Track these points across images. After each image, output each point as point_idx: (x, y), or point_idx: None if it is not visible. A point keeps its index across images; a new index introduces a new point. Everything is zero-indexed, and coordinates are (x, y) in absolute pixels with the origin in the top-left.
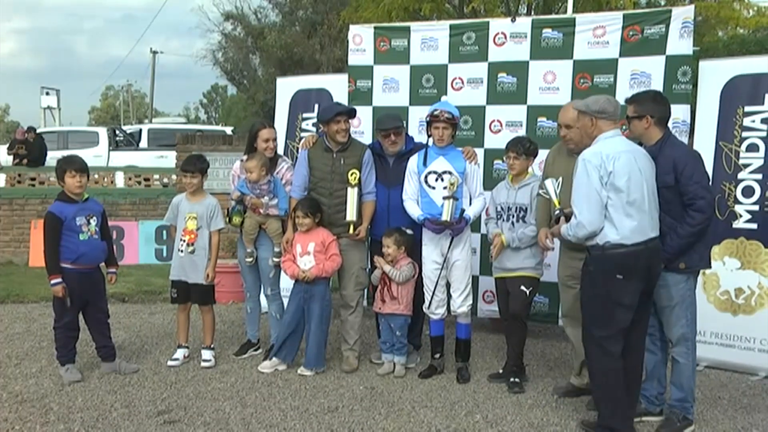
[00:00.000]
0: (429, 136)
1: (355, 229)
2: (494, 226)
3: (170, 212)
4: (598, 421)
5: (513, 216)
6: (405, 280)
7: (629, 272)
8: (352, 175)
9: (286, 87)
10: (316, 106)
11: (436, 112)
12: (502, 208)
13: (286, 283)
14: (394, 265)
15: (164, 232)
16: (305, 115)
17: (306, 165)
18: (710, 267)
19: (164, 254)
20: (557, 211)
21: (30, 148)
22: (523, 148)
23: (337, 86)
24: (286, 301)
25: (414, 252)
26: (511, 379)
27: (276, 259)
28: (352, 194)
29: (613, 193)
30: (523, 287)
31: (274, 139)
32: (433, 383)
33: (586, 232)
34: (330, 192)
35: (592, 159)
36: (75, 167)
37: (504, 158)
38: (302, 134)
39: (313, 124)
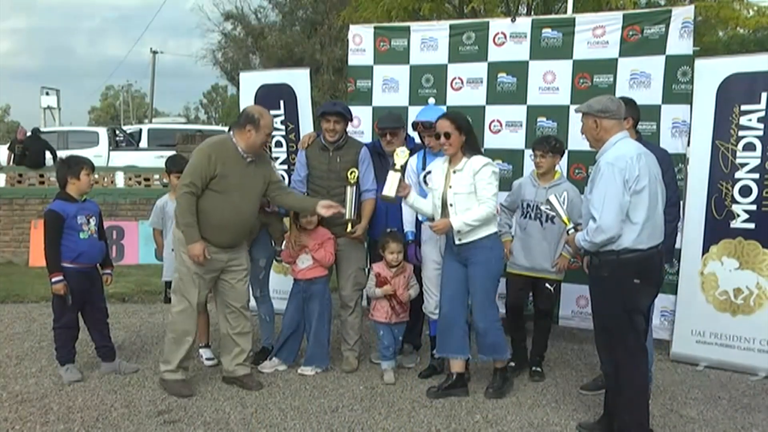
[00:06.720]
0: (423, 142)
1: (353, 227)
2: (506, 217)
3: (154, 216)
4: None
5: (542, 215)
6: (417, 293)
7: (647, 276)
8: (351, 173)
9: (250, 82)
10: (282, 102)
11: (426, 124)
12: (528, 206)
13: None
14: (401, 273)
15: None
16: (272, 112)
17: (305, 165)
18: None
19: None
20: (571, 229)
21: (28, 149)
22: (549, 145)
23: (299, 81)
24: (278, 304)
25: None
26: (533, 368)
27: (277, 258)
28: (350, 193)
29: (636, 196)
30: (547, 284)
31: None
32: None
33: (605, 238)
34: (327, 191)
35: (617, 162)
36: (89, 165)
37: (531, 157)
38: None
39: (281, 122)
